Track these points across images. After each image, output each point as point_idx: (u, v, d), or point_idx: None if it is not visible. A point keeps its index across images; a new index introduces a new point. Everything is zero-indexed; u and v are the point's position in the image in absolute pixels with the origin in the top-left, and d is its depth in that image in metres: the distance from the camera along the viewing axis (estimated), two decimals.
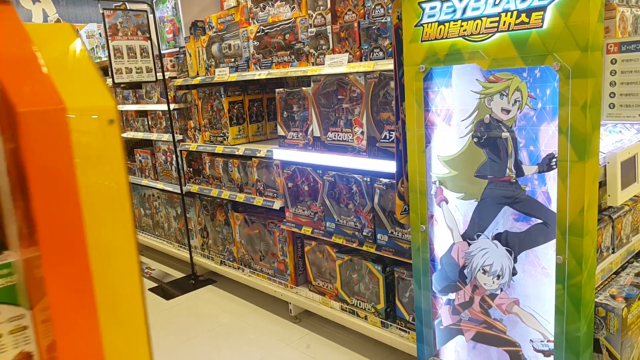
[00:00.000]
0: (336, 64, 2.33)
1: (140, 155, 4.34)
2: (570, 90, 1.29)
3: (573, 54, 1.27)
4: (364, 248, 2.38)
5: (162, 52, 3.79)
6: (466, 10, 1.50)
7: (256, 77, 2.79)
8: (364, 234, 2.36)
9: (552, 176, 1.43)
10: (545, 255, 1.50)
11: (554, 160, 1.41)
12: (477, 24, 1.47)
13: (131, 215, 0.70)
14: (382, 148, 2.22)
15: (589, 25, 1.22)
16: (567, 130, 1.32)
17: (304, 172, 2.69)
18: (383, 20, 2.12)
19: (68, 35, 0.71)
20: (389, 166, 2.14)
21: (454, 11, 1.52)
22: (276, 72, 2.68)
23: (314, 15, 2.45)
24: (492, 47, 1.46)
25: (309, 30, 2.46)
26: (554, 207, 1.44)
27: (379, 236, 2.30)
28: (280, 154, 2.77)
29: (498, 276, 1.61)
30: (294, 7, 2.57)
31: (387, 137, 2.18)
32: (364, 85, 2.23)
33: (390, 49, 2.14)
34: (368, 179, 2.31)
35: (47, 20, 5.82)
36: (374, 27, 2.17)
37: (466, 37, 1.51)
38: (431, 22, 1.59)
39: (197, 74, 3.36)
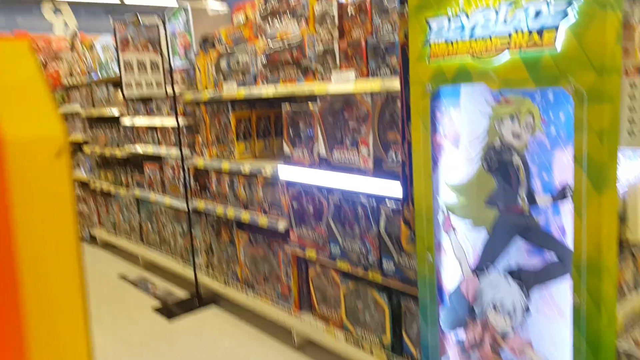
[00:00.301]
0: (342, 81, 2.28)
1: (149, 170, 4.35)
2: (585, 115, 1.20)
3: (588, 77, 1.18)
4: (369, 275, 2.29)
5: (174, 66, 3.82)
6: (475, 28, 1.43)
7: (263, 93, 2.76)
8: (369, 260, 2.28)
9: (567, 207, 1.33)
10: (560, 293, 1.39)
11: (570, 190, 1.31)
12: (486, 43, 1.40)
13: (79, 267, 0.64)
14: (389, 170, 2.14)
15: (606, 46, 1.14)
16: (583, 158, 1.23)
17: (309, 192, 2.63)
18: (391, 38, 2.07)
19: (20, 54, 0.67)
20: (396, 189, 2.06)
21: (462, 29, 1.46)
22: (282, 89, 2.65)
23: (322, 31, 2.42)
24: (502, 67, 1.38)
25: (316, 46, 2.43)
26: (569, 242, 1.34)
27: (385, 263, 2.21)
28: (286, 172, 2.72)
29: (510, 315, 1.51)
30: (302, 23, 2.54)
31: (394, 159, 2.10)
32: (371, 104, 2.17)
33: (397, 67, 2.07)
34: (374, 202, 2.24)
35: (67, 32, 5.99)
36: (381, 45, 2.11)
37: (475, 57, 1.44)
38: (438, 41, 1.53)
39: (206, 89, 3.36)
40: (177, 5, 3.74)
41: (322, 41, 2.42)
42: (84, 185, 5.94)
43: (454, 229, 1.65)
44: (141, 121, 4.20)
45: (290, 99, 3.34)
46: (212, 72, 3.22)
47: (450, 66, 1.51)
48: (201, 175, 3.62)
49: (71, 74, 5.89)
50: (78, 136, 5.82)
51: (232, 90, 3.02)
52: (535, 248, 1.43)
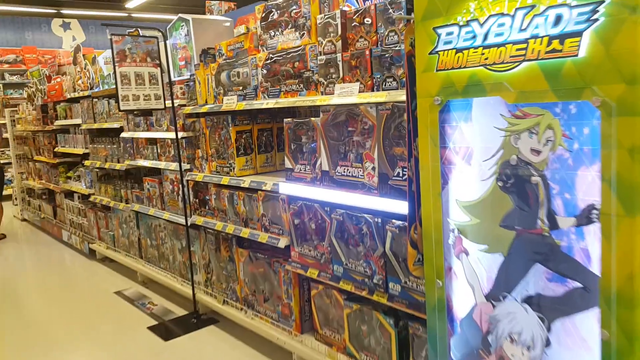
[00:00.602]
0: (346, 93, 2.18)
1: (148, 184, 4.26)
2: (614, 129, 1.09)
3: (617, 88, 1.07)
4: (374, 297, 2.16)
5: (174, 79, 3.75)
6: (488, 35, 1.32)
7: (264, 106, 2.67)
8: (375, 281, 2.15)
9: (592, 231, 1.21)
10: (586, 325, 1.26)
11: (595, 212, 1.19)
12: (501, 51, 1.30)
13: None
14: (395, 186, 2.02)
15: (637, 53, 1.03)
16: (611, 177, 1.11)
17: (311, 208, 2.51)
18: (397, 48, 1.97)
19: None
20: (402, 207, 1.94)
21: (474, 37, 1.35)
22: (284, 102, 2.55)
23: (324, 42, 2.33)
24: (518, 78, 1.27)
25: (319, 58, 2.33)
26: (595, 268, 1.21)
27: (391, 285, 2.08)
28: (287, 188, 2.61)
29: (528, 347, 1.37)
30: (303, 34, 2.46)
31: (401, 175, 1.99)
32: (376, 117, 2.06)
33: (403, 79, 1.97)
34: (379, 220, 2.12)
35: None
36: (387, 55, 2.02)
37: (488, 67, 1.33)
38: (448, 50, 1.42)
39: (206, 102, 3.27)
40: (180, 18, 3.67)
41: (325, 52, 2.33)
42: (84, 198, 5.86)
43: (465, 252, 1.52)
44: (141, 135, 4.12)
45: (292, 111, 3.25)
46: (212, 85, 3.14)
47: (460, 77, 1.41)
48: (200, 190, 3.52)
49: (74, 88, 5.85)
50: (79, 149, 5.76)
51: (232, 103, 2.93)
52: (557, 275, 1.30)
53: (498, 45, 1.30)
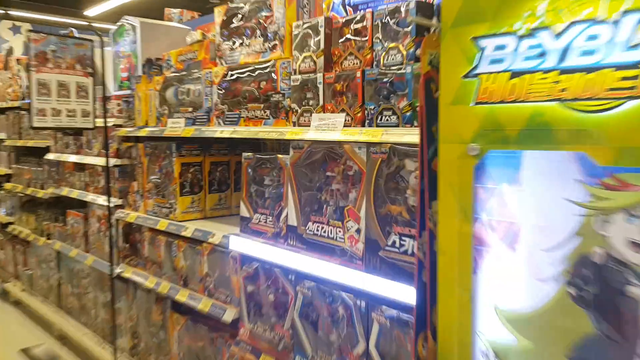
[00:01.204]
0: (327, 126, 1.68)
1: (72, 219, 3.59)
2: None
3: None
4: None
5: (113, 93, 3.18)
6: (568, 53, 0.85)
7: (217, 135, 2.13)
8: None
9: None
10: None
11: None
12: (591, 80, 0.82)
13: None
14: (389, 260, 1.51)
15: None
16: None
17: (271, 274, 1.96)
18: (400, 71, 1.50)
19: None
20: (398, 291, 1.43)
21: (543, 55, 0.88)
22: (243, 131, 2.03)
23: (301, 58, 1.84)
24: (619, 124, 0.80)
25: (293, 78, 1.84)
26: None
27: None
28: (240, 243, 2.05)
29: None
30: (274, 46, 1.96)
31: (397, 245, 1.48)
32: (366, 161, 1.56)
33: (408, 113, 1.49)
34: (363, 303, 1.58)
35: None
36: (385, 80, 1.54)
37: (566, 103, 0.86)
38: (496, 72, 0.95)
39: (147, 123, 2.71)
40: (128, 21, 3.13)
41: (301, 71, 1.83)
42: (3, 227, 5.07)
43: None
44: (68, 158, 3.48)
45: (256, 143, 2.72)
46: (156, 103, 2.59)
47: (515, 115, 0.93)
48: (133, 233, 2.90)
49: (3, 97, 5.14)
50: (2, 169, 5.01)
51: (177, 127, 2.38)
52: None
53: (586, 70, 0.83)
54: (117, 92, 3.20)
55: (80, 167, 3.50)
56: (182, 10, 4.13)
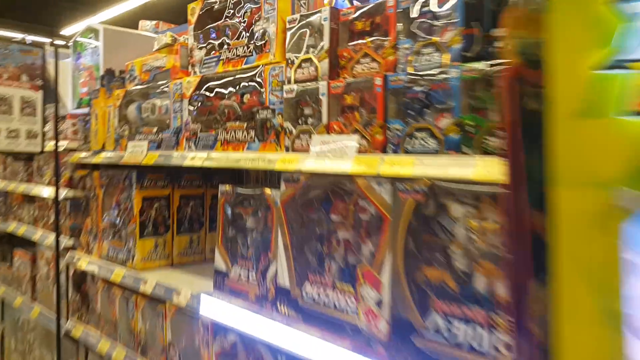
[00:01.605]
0: (332, 153, 1.24)
1: (19, 259, 3.06)
2: None
3: None
4: None
5: (70, 111, 2.72)
6: None
7: (186, 163, 1.67)
8: None
9: None
10: None
11: None
12: None
13: None
14: (428, 352, 1.04)
15: None
16: None
17: (253, 351, 1.47)
18: (441, 77, 1.07)
19: None
20: None
21: None
22: (220, 158, 1.57)
23: (297, 61, 1.40)
24: None
25: (286, 88, 1.40)
26: None
27: None
28: (214, 307, 1.56)
29: None
30: (262, 47, 1.53)
31: (443, 330, 1.01)
32: (390, 203, 1.12)
33: (453, 134, 1.05)
34: None
35: None
36: (418, 89, 1.11)
37: None
38: None
39: (103, 147, 2.24)
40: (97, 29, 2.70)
41: (298, 79, 1.40)
42: None
43: None
44: (17, 188, 2.98)
45: (238, 173, 2.27)
46: (114, 122, 2.13)
47: None
48: (85, 281, 2.39)
49: None
50: None
51: (139, 152, 1.92)
52: None
53: None
54: (74, 110, 2.74)
55: (30, 198, 3.00)
56: (158, 22, 3.72)
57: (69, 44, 2.91)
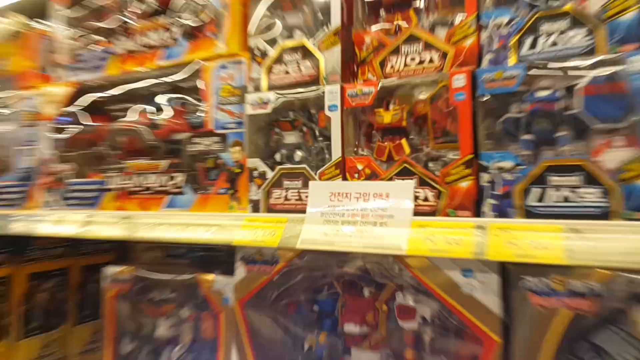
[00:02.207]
0: (364, 218, 0.66)
1: None
2: None
3: None
4: None
5: None
6: None
7: (42, 233, 0.93)
8: None
9: None
10: None
11: None
12: None
13: None
14: None
15: None
16: None
17: None
18: (597, 70, 0.56)
19: None
20: None
21: None
22: (112, 222, 0.87)
23: (275, 52, 0.81)
24: None
25: (250, 98, 0.79)
26: None
27: None
28: None
29: None
30: (198, 27, 0.90)
31: None
32: (497, 311, 0.56)
33: (638, 184, 0.54)
34: None
35: None
36: (545, 96, 0.59)
37: None
38: None
39: None
40: None
41: (276, 83, 0.80)
42: None
43: None
44: None
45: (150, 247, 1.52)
46: None
47: None
48: None
49: None
50: None
51: None
52: None
53: None
54: None
55: None
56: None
57: None
